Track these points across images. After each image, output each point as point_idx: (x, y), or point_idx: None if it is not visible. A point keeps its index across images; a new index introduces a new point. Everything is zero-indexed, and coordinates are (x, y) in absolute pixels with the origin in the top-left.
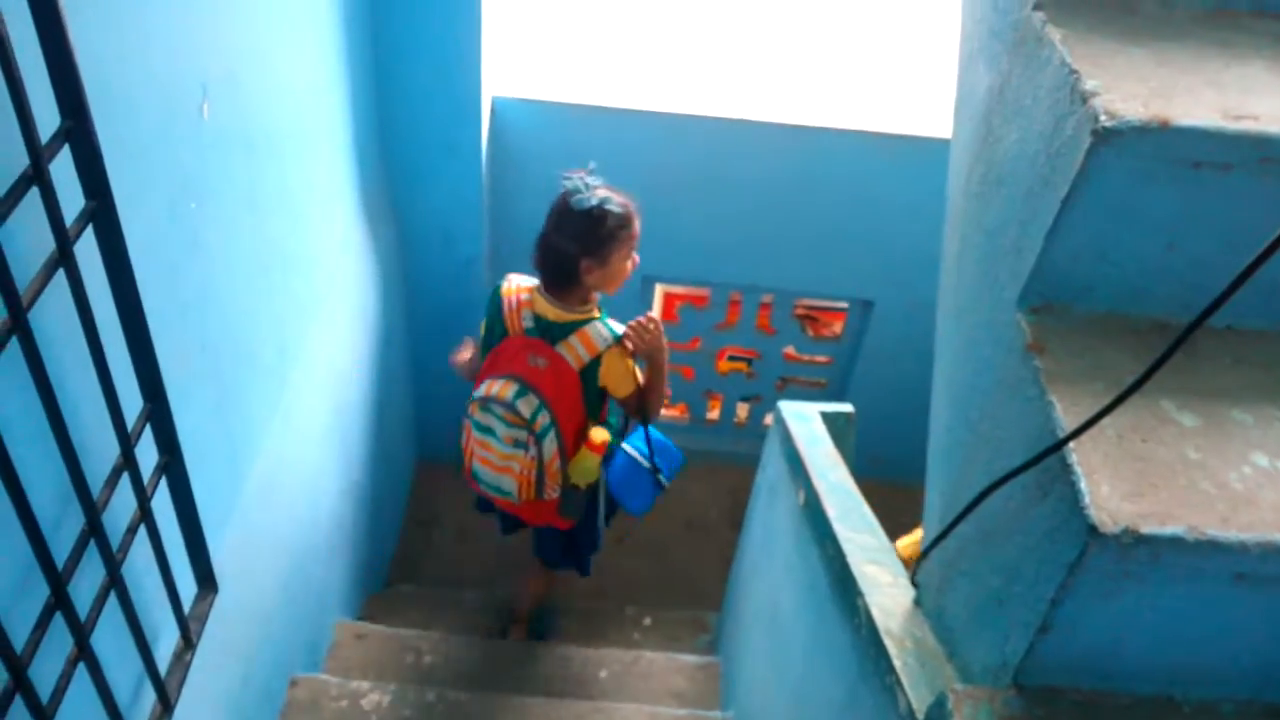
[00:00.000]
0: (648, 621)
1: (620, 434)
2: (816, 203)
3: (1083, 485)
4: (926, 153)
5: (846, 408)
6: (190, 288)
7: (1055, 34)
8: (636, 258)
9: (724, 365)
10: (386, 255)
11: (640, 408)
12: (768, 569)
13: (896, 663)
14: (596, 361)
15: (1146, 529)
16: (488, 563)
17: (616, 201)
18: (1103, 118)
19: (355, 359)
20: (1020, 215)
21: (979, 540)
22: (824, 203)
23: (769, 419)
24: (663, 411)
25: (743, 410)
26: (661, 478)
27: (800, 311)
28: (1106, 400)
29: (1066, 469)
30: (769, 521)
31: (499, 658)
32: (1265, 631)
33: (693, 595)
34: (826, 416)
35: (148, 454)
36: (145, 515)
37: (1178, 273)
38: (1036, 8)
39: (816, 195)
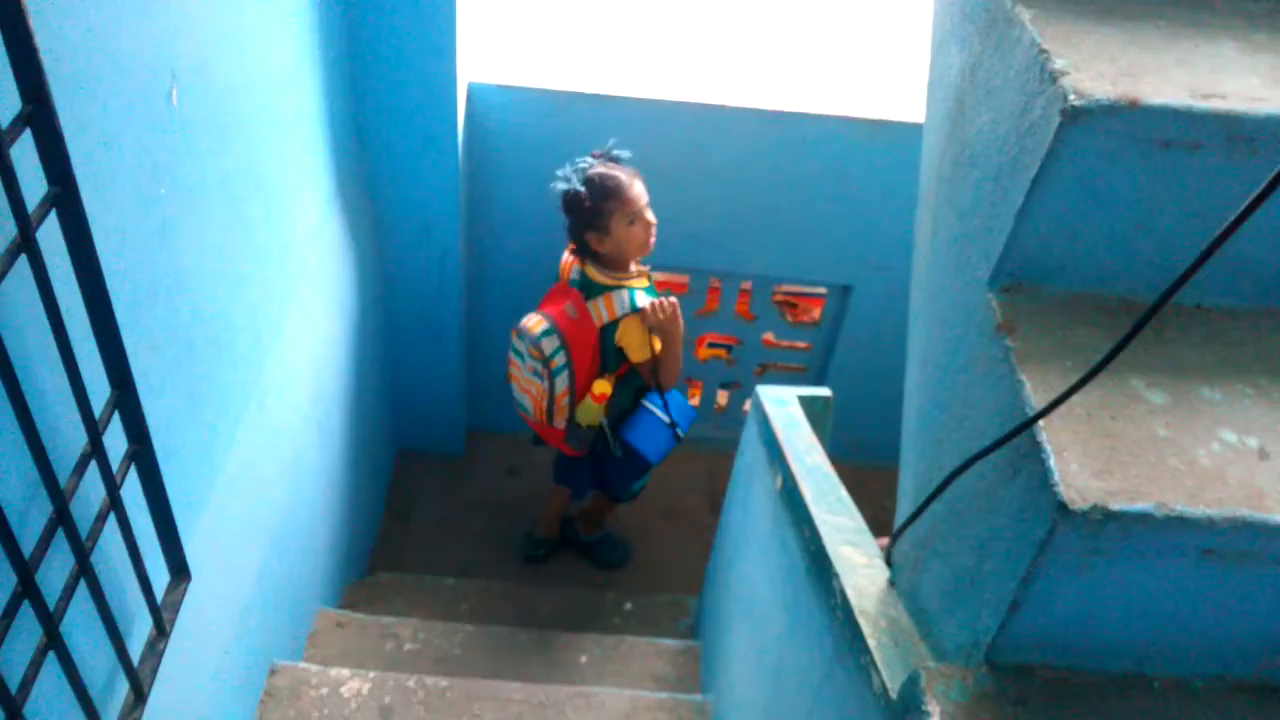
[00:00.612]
0: (628, 606)
1: (640, 392)
2: (795, 188)
3: (1052, 463)
4: (904, 137)
5: (824, 391)
6: (160, 275)
7: (1025, 14)
8: (649, 217)
9: (703, 352)
10: (363, 244)
11: (654, 375)
12: (745, 553)
13: (870, 642)
14: (615, 324)
15: (1115, 505)
16: (468, 551)
17: (596, 175)
18: (1071, 97)
19: (332, 348)
20: (991, 196)
21: (951, 520)
22: (803, 188)
23: (749, 405)
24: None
25: (723, 397)
26: (679, 431)
27: (779, 297)
28: (1074, 379)
29: (1036, 447)
30: (747, 506)
31: (480, 644)
32: (1233, 607)
33: (673, 580)
34: (804, 400)
35: (118, 442)
36: (114, 503)
37: (1147, 252)
38: None
39: (795, 181)
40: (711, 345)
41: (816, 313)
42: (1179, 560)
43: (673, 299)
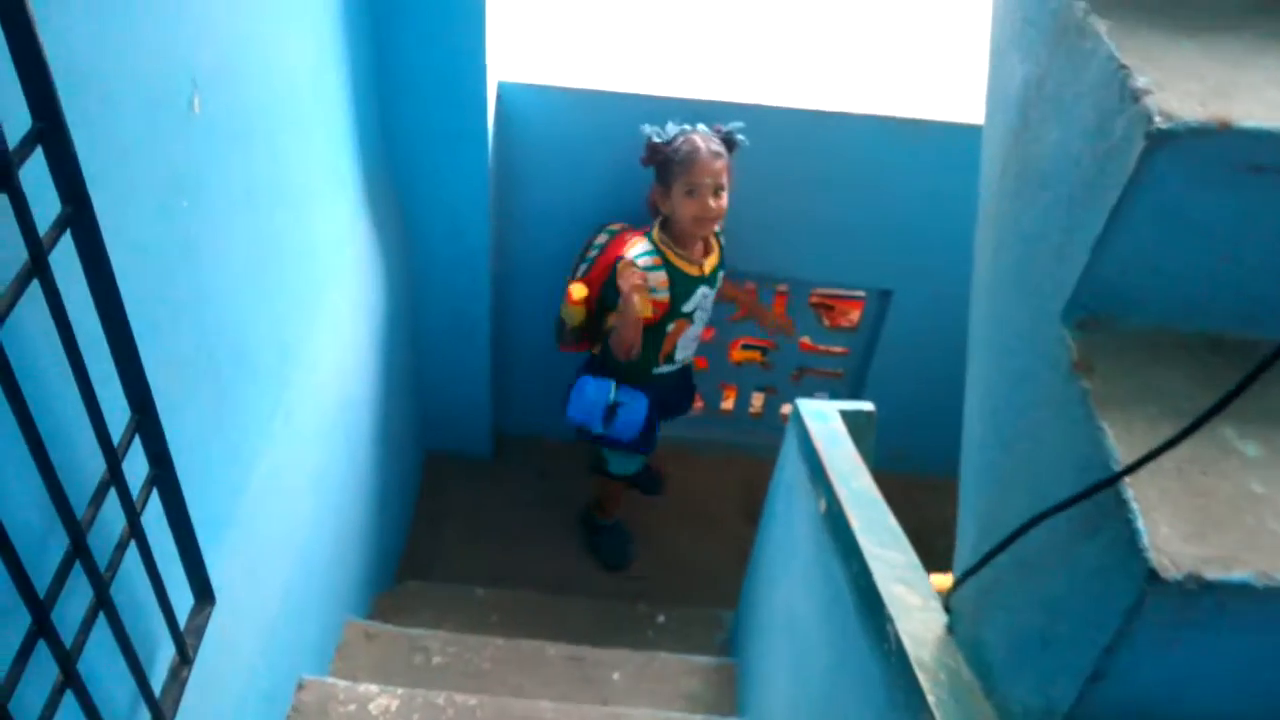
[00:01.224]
0: (661, 619)
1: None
2: (834, 190)
3: (1140, 524)
4: (946, 138)
5: (867, 406)
6: (184, 291)
7: (1101, 25)
8: (711, 203)
9: (738, 354)
10: (390, 245)
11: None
12: (786, 574)
13: (930, 697)
14: (619, 260)
15: (1211, 574)
16: (498, 558)
17: (681, 136)
18: (1157, 119)
19: (359, 352)
20: (1063, 221)
21: (1018, 571)
22: (841, 190)
23: (785, 409)
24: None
25: (758, 400)
26: (618, 423)
27: (816, 300)
28: (1160, 426)
29: (1121, 505)
30: (787, 524)
31: (510, 659)
32: None
33: (707, 590)
34: (846, 415)
35: (138, 465)
36: (134, 531)
37: (1234, 284)
38: None
39: (834, 182)
40: (746, 348)
41: (855, 316)
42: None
43: (638, 277)
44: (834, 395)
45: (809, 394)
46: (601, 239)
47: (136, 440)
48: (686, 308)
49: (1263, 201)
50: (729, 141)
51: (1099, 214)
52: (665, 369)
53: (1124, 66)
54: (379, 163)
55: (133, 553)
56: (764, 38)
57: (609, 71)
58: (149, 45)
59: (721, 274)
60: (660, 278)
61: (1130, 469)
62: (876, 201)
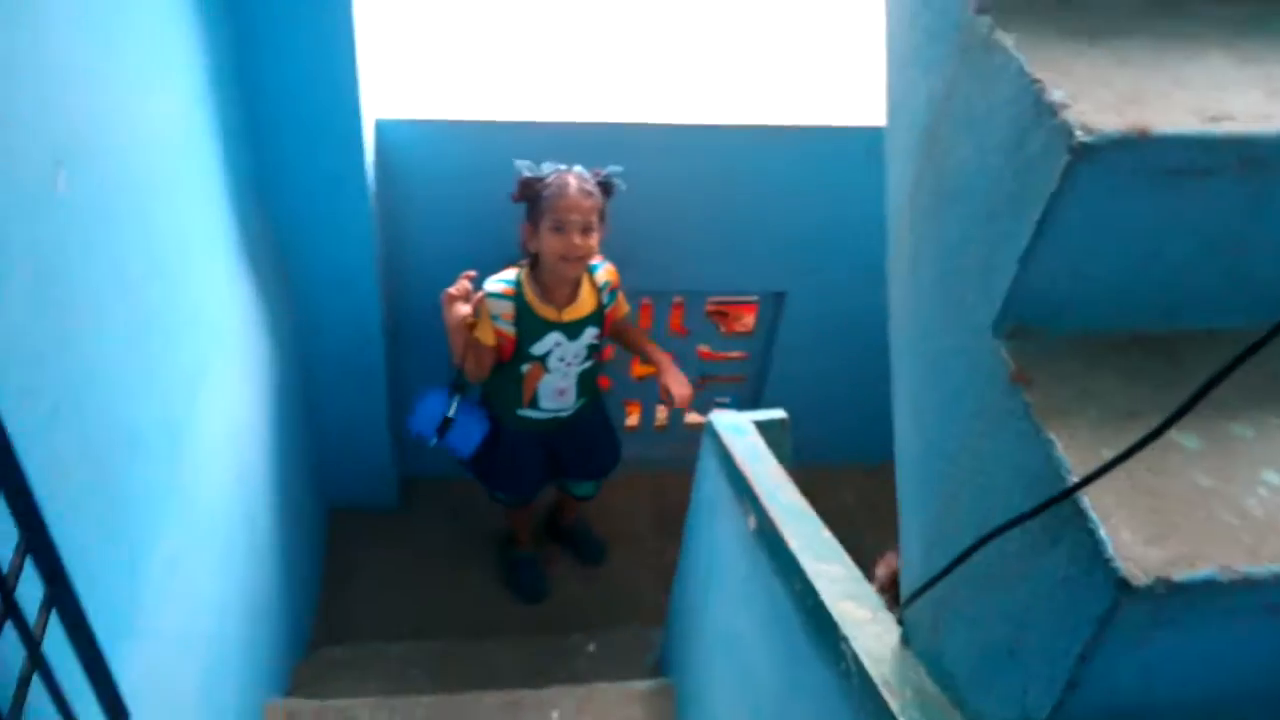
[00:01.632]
0: (592, 648)
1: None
2: (720, 200)
3: (1102, 533)
4: (822, 142)
5: (779, 413)
6: (61, 389)
7: (1007, 39)
8: (577, 240)
9: (639, 369)
10: (274, 302)
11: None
12: (718, 592)
13: (901, 717)
14: None
15: (1178, 575)
16: (417, 609)
17: (553, 171)
18: (1078, 132)
19: (252, 418)
20: (985, 235)
21: (976, 583)
22: (727, 199)
23: (690, 419)
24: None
25: (662, 414)
26: (429, 437)
27: (711, 308)
28: (1102, 430)
29: (1080, 514)
30: (712, 541)
31: (444, 714)
32: None
33: (632, 610)
34: (761, 425)
35: (32, 589)
36: (36, 663)
37: (1155, 282)
38: (981, 11)
39: (719, 193)
40: (645, 362)
41: (749, 320)
42: (1241, 619)
43: (451, 291)
44: (736, 400)
45: (711, 400)
46: None
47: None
48: (536, 350)
49: (1179, 203)
50: (606, 186)
51: (1024, 227)
52: (532, 414)
53: (1037, 80)
54: (256, 218)
55: (37, 684)
56: (637, 56)
57: (492, 101)
58: (7, 122)
59: (593, 330)
60: (505, 309)
61: (1086, 481)
62: (762, 207)
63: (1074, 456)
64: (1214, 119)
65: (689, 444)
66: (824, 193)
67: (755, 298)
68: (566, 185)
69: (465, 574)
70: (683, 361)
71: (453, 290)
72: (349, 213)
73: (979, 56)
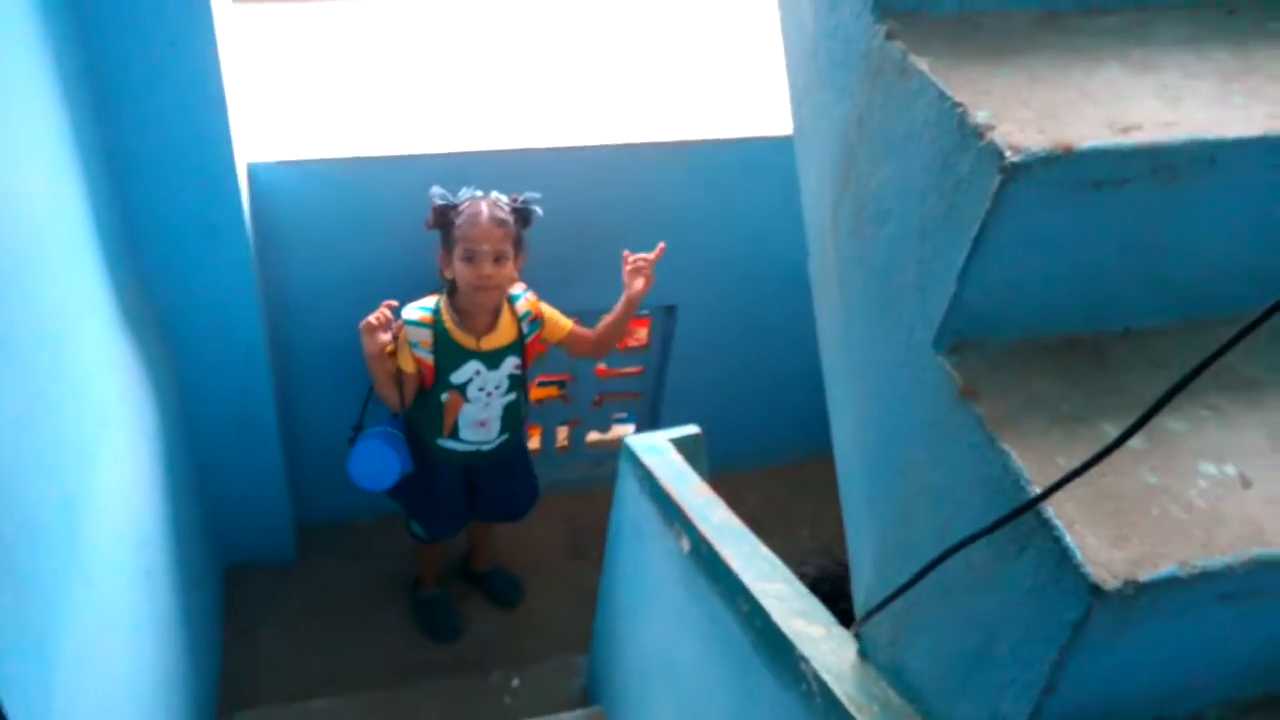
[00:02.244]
0: (516, 683)
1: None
2: (604, 219)
3: (1069, 540)
4: (703, 155)
5: (693, 429)
6: None
7: (921, 63)
8: (488, 269)
9: (536, 392)
10: (155, 362)
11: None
12: (650, 617)
13: None
14: None
15: (1144, 576)
16: (328, 661)
17: (468, 199)
18: (1008, 153)
19: (145, 484)
20: (917, 254)
21: (938, 594)
22: (611, 218)
23: (591, 437)
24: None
25: (562, 435)
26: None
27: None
28: (1051, 434)
29: (1044, 523)
30: (639, 565)
31: None
32: (1243, 638)
33: (552, 638)
34: (676, 442)
35: None
36: None
37: (1080, 287)
38: (890, 36)
39: (602, 212)
40: (542, 384)
41: (643, 334)
42: (1199, 610)
43: (371, 320)
44: (634, 416)
45: (609, 418)
46: None
47: None
48: (455, 379)
49: (1101, 212)
50: (523, 213)
51: (959, 245)
52: (452, 445)
53: (959, 103)
54: (131, 279)
55: None
56: (507, 82)
57: (368, 137)
58: None
59: (513, 360)
60: (424, 336)
61: (1051, 490)
62: (647, 222)
63: (1031, 465)
64: (1125, 130)
65: (594, 464)
66: (709, 206)
67: (648, 313)
68: (479, 214)
69: (374, 619)
70: (581, 381)
71: (372, 319)
72: (227, 261)
73: (893, 81)
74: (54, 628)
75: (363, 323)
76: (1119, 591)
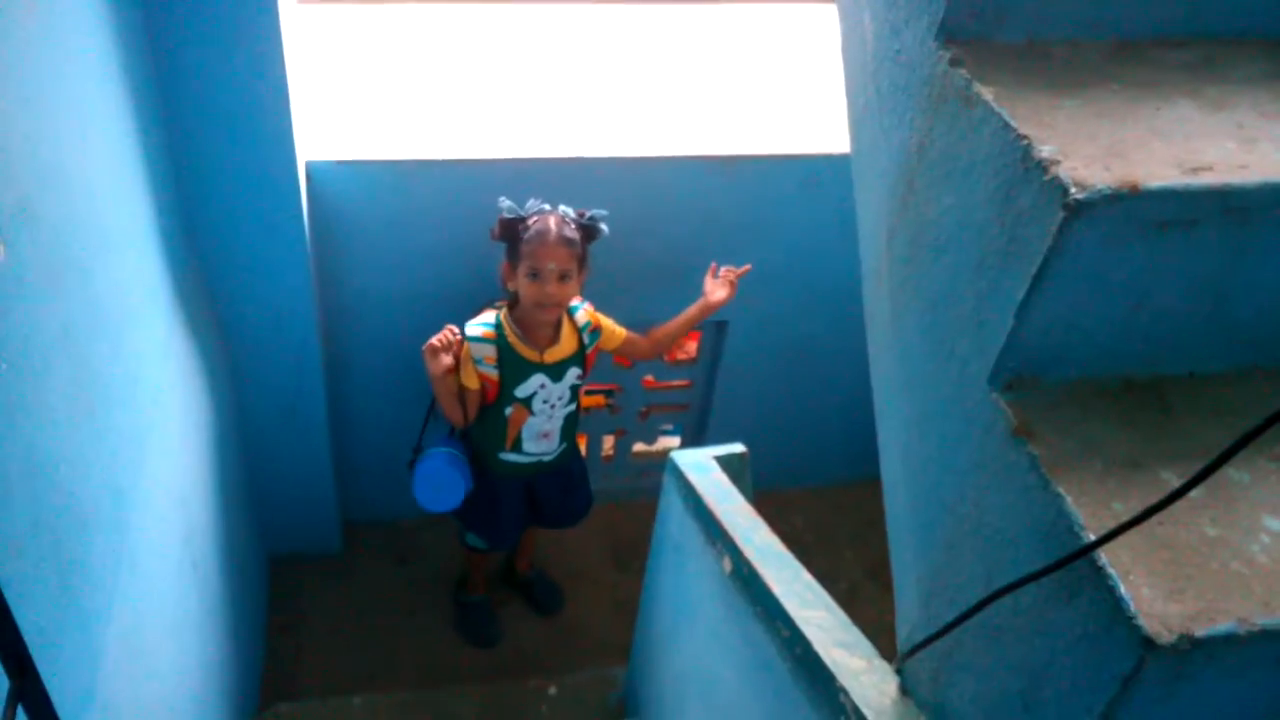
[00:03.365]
0: (553, 691)
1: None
2: (660, 232)
3: (1123, 591)
4: (759, 172)
5: (738, 447)
6: (11, 463)
7: (987, 93)
8: (552, 289)
9: (584, 401)
10: (211, 352)
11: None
12: (689, 634)
13: None
14: None
15: (1200, 632)
16: (369, 658)
17: (536, 214)
18: (1073, 190)
19: (195, 474)
20: (975, 287)
21: (985, 636)
22: (667, 231)
23: (637, 448)
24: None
25: (608, 444)
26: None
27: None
28: (1108, 482)
29: (1098, 571)
30: (680, 582)
31: None
32: None
33: (591, 648)
34: (721, 460)
35: None
36: None
37: (1143, 329)
38: (954, 63)
39: (659, 225)
40: (590, 393)
41: (692, 348)
42: (1257, 670)
43: (439, 338)
44: (680, 428)
45: (656, 430)
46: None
47: None
48: (520, 392)
49: (1166, 253)
50: (589, 229)
51: (1019, 280)
52: (514, 458)
53: (1023, 136)
54: (190, 268)
55: None
56: (568, 92)
57: (423, 140)
58: None
59: (575, 370)
60: (488, 352)
61: (1108, 538)
62: (702, 238)
63: (1085, 511)
64: (1194, 170)
65: (638, 475)
66: (762, 221)
67: (698, 326)
68: (547, 231)
69: (415, 619)
70: (629, 392)
71: (435, 342)
72: (285, 258)
73: (956, 109)
74: (101, 616)
75: (426, 346)
76: (1173, 646)
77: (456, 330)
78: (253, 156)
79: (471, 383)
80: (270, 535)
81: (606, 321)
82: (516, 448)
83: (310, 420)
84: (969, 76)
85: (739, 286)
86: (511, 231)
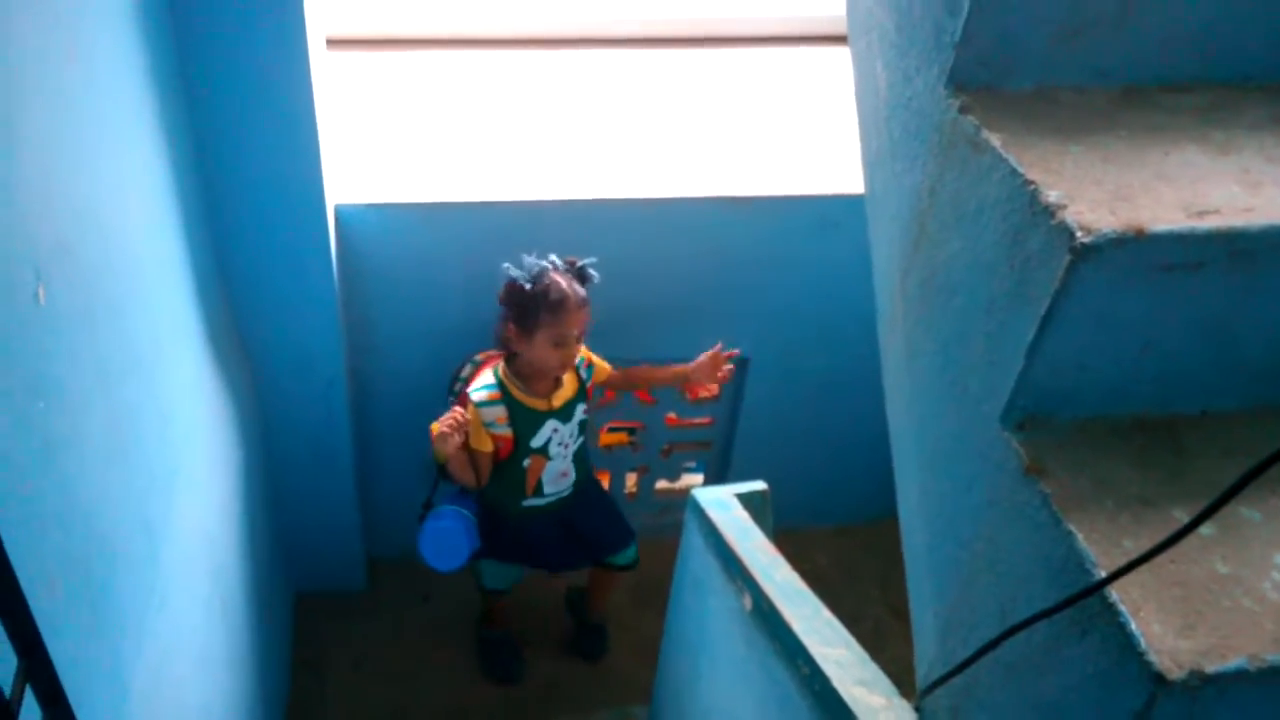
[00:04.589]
0: None
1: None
2: (681, 271)
3: (1134, 627)
4: (777, 210)
5: (760, 485)
6: (47, 500)
7: (994, 139)
8: (573, 349)
9: (606, 438)
10: (239, 392)
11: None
12: (710, 672)
13: None
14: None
15: (1211, 668)
16: (394, 694)
17: (549, 279)
18: (1079, 234)
19: (222, 512)
20: (986, 328)
21: (1000, 672)
22: (688, 270)
23: (660, 485)
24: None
25: (631, 481)
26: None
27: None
28: (1119, 519)
29: (1109, 608)
30: (701, 620)
31: None
32: None
33: (614, 687)
34: (742, 498)
35: (28, 712)
36: None
37: (1153, 369)
38: (963, 110)
39: (680, 264)
40: (612, 430)
41: (715, 386)
42: (1269, 707)
43: (443, 429)
44: (703, 465)
45: (680, 466)
46: (466, 370)
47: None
48: (535, 443)
49: (1172, 294)
50: (582, 275)
51: (1028, 321)
52: (536, 502)
53: (1030, 181)
54: (219, 307)
55: None
56: (589, 134)
57: (452, 183)
58: None
59: (581, 407)
60: (498, 413)
61: (1118, 574)
62: (722, 275)
63: (1097, 548)
64: (1200, 214)
65: (661, 512)
66: (782, 259)
67: None
68: (566, 300)
69: (439, 655)
70: (651, 430)
71: (444, 428)
72: (313, 298)
73: (965, 154)
74: (130, 651)
75: (436, 431)
76: (1184, 682)
77: (462, 411)
78: (283, 200)
79: (485, 446)
80: (296, 572)
81: (595, 357)
82: (538, 493)
83: (336, 458)
84: (977, 123)
85: (760, 321)
86: (524, 298)
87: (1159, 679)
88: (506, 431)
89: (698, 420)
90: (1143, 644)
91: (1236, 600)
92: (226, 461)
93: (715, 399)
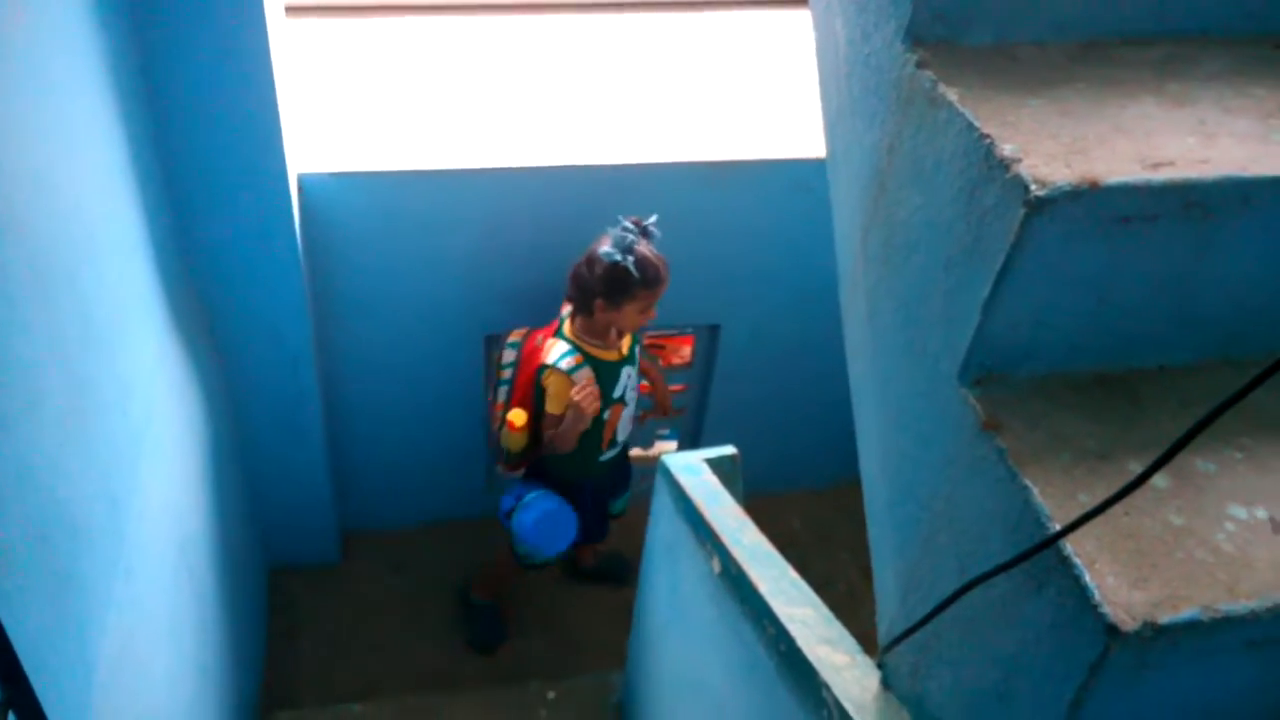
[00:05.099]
0: (551, 695)
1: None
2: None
3: (1088, 579)
4: (748, 175)
5: (729, 450)
6: (5, 473)
7: (951, 94)
8: (654, 312)
9: None
10: (205, 364)
11: (549, 432)
12: (680, 635)
13: None
14: (544, 369)
15: (1163, 618)
16: (368, 665)
17: (646, 260)
18: (1033, 187)
19: (189, 485)
20: (943, 285)
21: (960, 627)
22: (660, 236)
23: (635, 453)
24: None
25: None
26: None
27: (649, 342)
28: (1075, 473)
29: (1064, 561)
30: (673, 584)
31: None
32: (1268, 684)
33: (591, 653)
34: (712, 463)
35: None
36: None
37: (1109, 323)
38: (920, 65)
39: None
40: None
41: (686, 351)
42: (1223, 656)
43: (593, 390)
44: (676, 433)
45: (652, 434)
46: (509, 356)
47: None
48: (616, 393)
49: (1129, 248)
50: (648, 234)
51: (984, 277)
52: (611, 454)
53: (986, 135)
54: (180, 278)
55: None
56: (557, 100)
57: (417, 151)
58: None
59: (637, 350)
60: (587, 374)
61: (1071, 528)
62: (694, 242)
63: (1052, 502)
64: (1155, 165)
65: (635, 479)
66: (753, 226)
67: (692, 331)
68: (660, 272)
69: (414, 625)
70: None
71: (595, 400)
72: (278, 268)
73: (923, 111)
74: (95, 623)
75: (590, 405)
76: (1137, 633)
77: (590, 376)
78: (244, 169)
79: (595, 407)
80: (269, 545)
81: None
82: (612, 444)
83: (306, 431)
84: (935, 78)
85: (732, 287)
86: (626, 278)
87: (1113, 630)
88: (596, 389)
89: (671, 387)
90: (1096, 596)
91: (1190, 552)
92: (193, 434)
93: (688, 365)
